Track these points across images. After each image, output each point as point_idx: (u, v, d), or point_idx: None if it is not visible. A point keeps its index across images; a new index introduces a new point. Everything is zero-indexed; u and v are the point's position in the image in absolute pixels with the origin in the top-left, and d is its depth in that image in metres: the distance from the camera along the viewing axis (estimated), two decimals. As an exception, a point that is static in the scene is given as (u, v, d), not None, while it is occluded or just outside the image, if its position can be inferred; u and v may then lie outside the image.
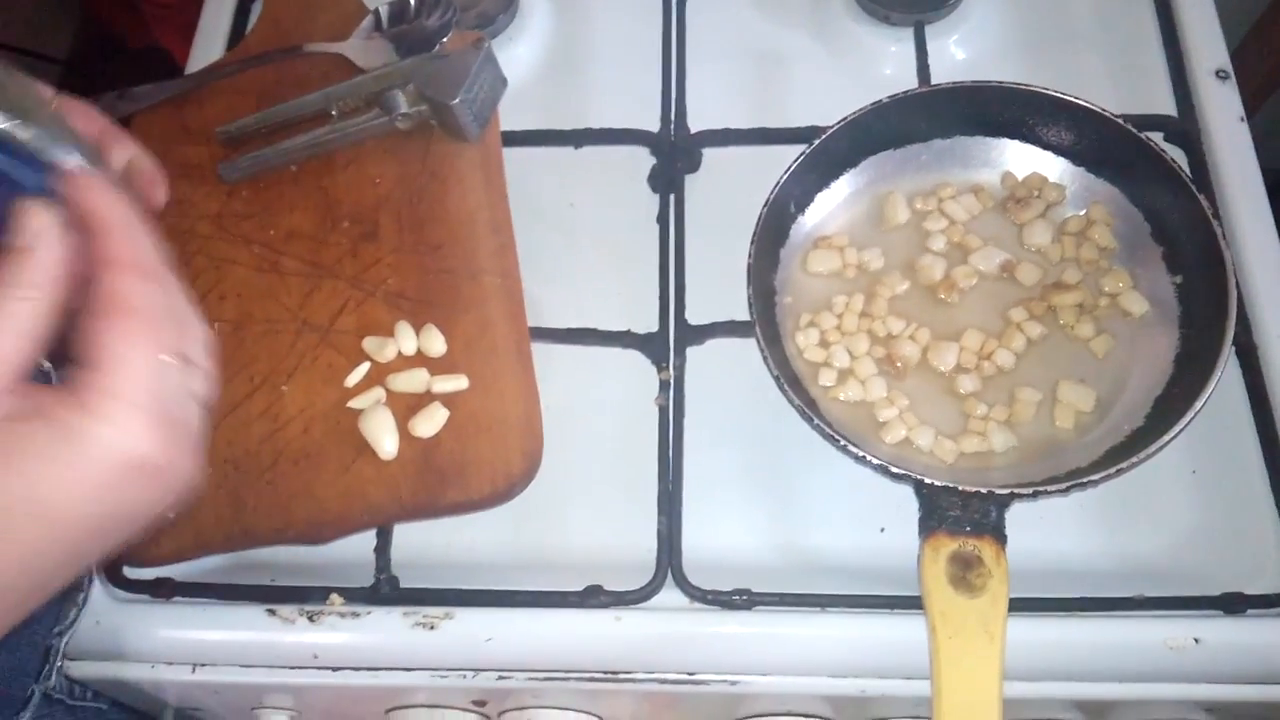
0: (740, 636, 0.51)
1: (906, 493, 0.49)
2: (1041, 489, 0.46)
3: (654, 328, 0.59)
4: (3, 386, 0.30)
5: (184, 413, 0.33)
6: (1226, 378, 0.53)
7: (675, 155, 0.64)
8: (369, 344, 0.56)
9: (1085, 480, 0.46)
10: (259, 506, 0.53)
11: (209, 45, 0.72)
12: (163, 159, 0.63)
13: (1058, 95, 0.54)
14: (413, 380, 0.54)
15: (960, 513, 0.47)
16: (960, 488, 0.46)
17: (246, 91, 0.65)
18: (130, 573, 0.55)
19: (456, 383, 0.54)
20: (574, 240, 0.63)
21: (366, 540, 0.54)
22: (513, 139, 0.65)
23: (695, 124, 0.65)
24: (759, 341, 0.51)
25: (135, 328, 0.32)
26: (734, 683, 0.52)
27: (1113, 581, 0.51)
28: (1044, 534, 0.52)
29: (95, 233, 0.33)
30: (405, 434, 0.53)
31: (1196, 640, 0.48)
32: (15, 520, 0.30)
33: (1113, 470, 0.46)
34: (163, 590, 0.55)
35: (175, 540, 0.53)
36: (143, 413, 0.31)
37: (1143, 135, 0.53)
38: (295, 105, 0.62)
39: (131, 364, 0.31)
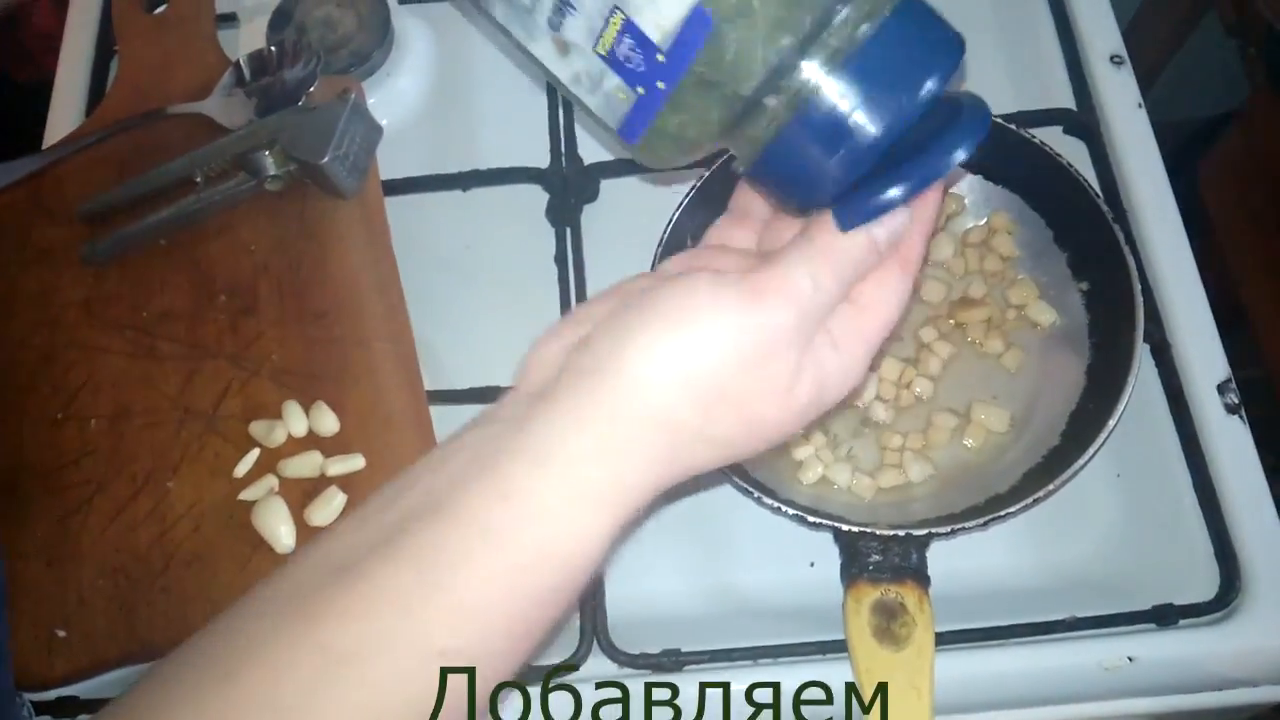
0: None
1: (833, 525, 0.47)
2: (960, 525, 0.45)
3: (559, 378, 0.56)
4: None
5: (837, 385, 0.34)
6: (1143, 376, 0.52)
7: (568, 191, 0.61)
8: (256, 429, 0.53)
9: (1004, 513, 0.45)
10: (154, 617, 0.50)
11: (65, 112, 0.67)
12: (21, 245, 0.60)
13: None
14: (305, 464, 0.51)
15: (881, 558, 0.45)
16: (877, 531, 0.45)
17: (107, 162, 0.61)
18: (30, 696, 0.52)
19: (352, 463, 0.51)
20: (473, 285, 0.61)
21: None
22: (397, 187, 0.62)
23: (589, 155, 0.62)
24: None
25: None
26: (670, 744, 0.50)
27: (1042, 599, 0.50)
28: (969, 551, 0.51)
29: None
30: (302, 523, 0.50)
31: (1130, 659, 0.47)
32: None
33: (1029, 500, 0.45)
34: (66, 710, 0.51)
35: (68, 660, 0.50)
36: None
37: (1035, 139, 0.52)
38: (157, 175, 0.58)
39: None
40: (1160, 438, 0.52)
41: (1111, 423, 0.45)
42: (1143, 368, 0.50)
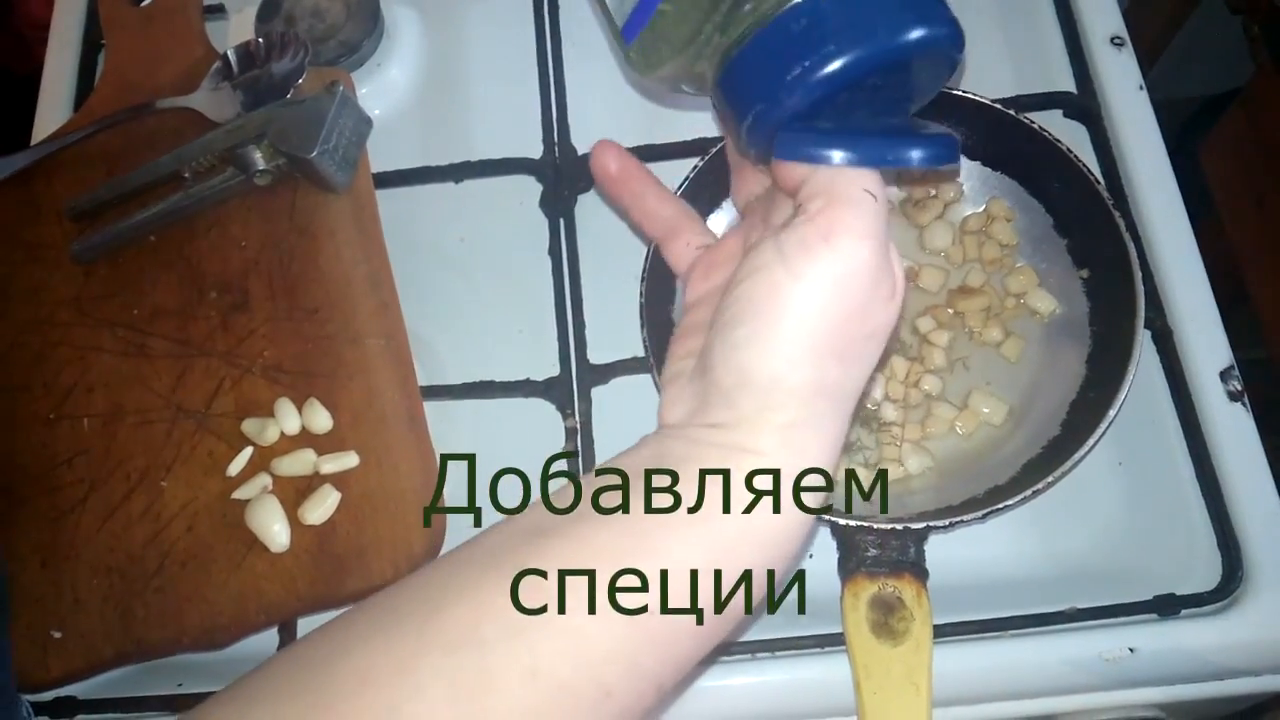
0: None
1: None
2: (958, 518, 0.44)
3: (555, 371, 0.56)
4: None
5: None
6: (1145, 364, 0.52)
7: (561, 182, 0.60)
8: (249, 426, 0.52)
9: (1002, 505, 0.44)
10: (149, 616, 0.50)
11: (54, 105, 0.66)
12: (11, 243, 0.60)
13: (943, 89, 0.51)
14: (299, 462, 0.51)
15: (878, 551, 0.45)
16: (874, 525, 0.44)
17: (95, 158, 0.60)
18: (27, 697, 0.51)
19: (346, 460, 0.51)
20: (467, 277, 0.60)
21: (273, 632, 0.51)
22: (389, 179, 0.61)
23: (582, 143, 0.62)
24: (658, 386, 0.48)
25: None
26: (669, 739, 0.50)
27: (1042, 589, 0.49)
28: (968, 541, 0.50)
29: None
30: (296, 522, 0.50)
31: (1131, 650, 0.47)
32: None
33: (1029, 492, 0.44)
34: (64, 711, 0.51)
35: (64, 661, 0.50)
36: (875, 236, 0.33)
37: (1034, 123, 0.51)
38: (145, 171, 0.57)
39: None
40: (1162, 426, 0.52)
41: (1112, 413, 0.44)
42: (1144, 355, 0.50)
